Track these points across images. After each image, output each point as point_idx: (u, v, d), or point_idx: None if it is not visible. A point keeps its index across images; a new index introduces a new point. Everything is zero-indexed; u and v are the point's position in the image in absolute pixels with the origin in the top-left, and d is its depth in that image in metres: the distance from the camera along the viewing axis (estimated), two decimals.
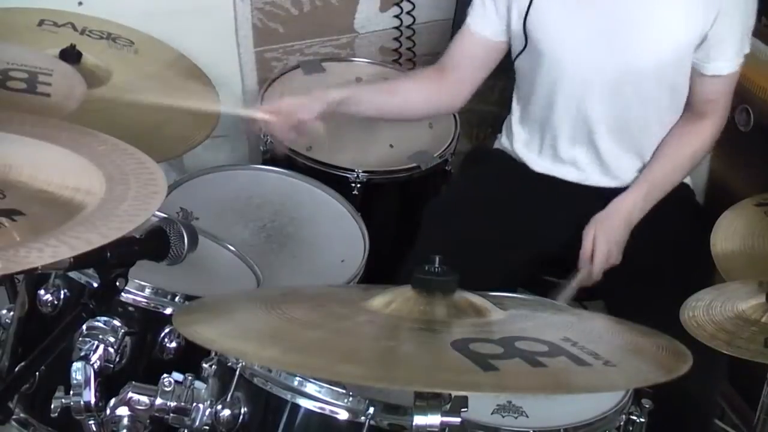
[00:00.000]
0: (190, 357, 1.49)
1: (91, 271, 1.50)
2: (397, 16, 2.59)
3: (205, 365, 1.43)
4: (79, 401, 1.38)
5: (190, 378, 1.41)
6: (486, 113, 2.70)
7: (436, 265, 1.18)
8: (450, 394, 1.11)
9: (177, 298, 1.56)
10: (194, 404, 1.39)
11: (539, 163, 2.04)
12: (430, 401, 1.06)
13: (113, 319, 1.50)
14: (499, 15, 1.93)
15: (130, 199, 1.15)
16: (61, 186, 1.18)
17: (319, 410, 1.34)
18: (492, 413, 1.45)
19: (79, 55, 1.99)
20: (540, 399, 1.48)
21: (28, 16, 2.13)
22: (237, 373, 1.38)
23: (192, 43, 2.26)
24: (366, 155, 2.21)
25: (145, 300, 1.56)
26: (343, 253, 1.93)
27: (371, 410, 1.31)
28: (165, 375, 1.40)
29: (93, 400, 1.38)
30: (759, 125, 2.19)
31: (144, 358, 1.57)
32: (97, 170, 1.21)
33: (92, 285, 1.51)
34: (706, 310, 1.44)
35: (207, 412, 1.39)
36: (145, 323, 1.56)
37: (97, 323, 1.48)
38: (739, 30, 1.85)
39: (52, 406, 1.40)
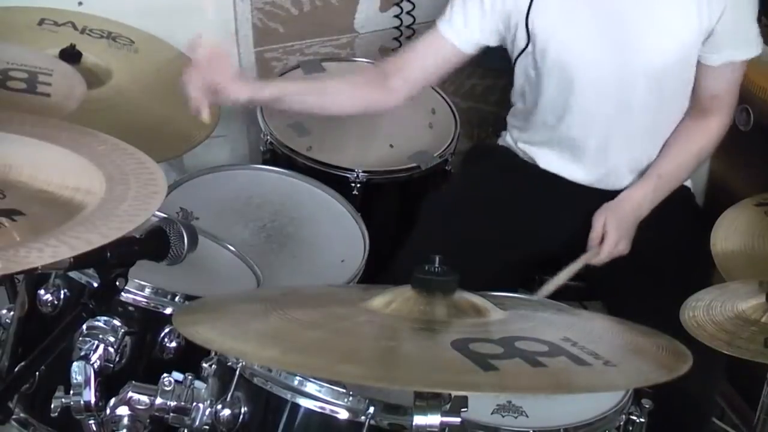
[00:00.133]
0: (190, 357, 1.49)
1: (91, 271, 1.50)
2: (397, 16, 2.59)
3: (205, 365, 1.43)
4: (79, 401, 1.38)
5: (190, 378, 1.41)
6: (486, 113, 2.70)
7: (436, 265, 1.18)
8: (450, 394, 1.11)
9: (177, 298, 1.56)
10: (194, 404, 1.39)
11: (545, 160, 2.04)
12: (430, 401, 1.06)
13: (113, 318, 1.50)
14: (482, 24, 1.90)
15: (130, 199, 1.15)
16: (61, 186, 1.18)
17: (319, 410, 1.34)
18: (492, 413, 1.45)
19: (79, 54, 2.00)
20: (540, 399, 1.48)
21: (28, 15, 2.13)
22: (237, 372, 1.38)
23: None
24: (366, 155, 2.21)
25: (145, 300, 1.56)
26: (343, 253, 1.93)
27: (371, 410, 1.31)
28: (165, 375, 1.40)
29: (93, 400, 1.38)
30: (759, 125, 2.19)
31: (144, 357, 1.57)
32: (97, 170, 1.21)
33: (92, 285, 1.51)
34: (706, 310, 1.44)
35: (207, 412, 1.39)
36: (145, 323, 1.56)
37: (97, 323, 1.48)
38: (750, 20, 1.84)
39: (52, 406, 1.40)
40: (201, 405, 1.40)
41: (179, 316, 1.27)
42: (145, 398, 1.39)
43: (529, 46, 1.89)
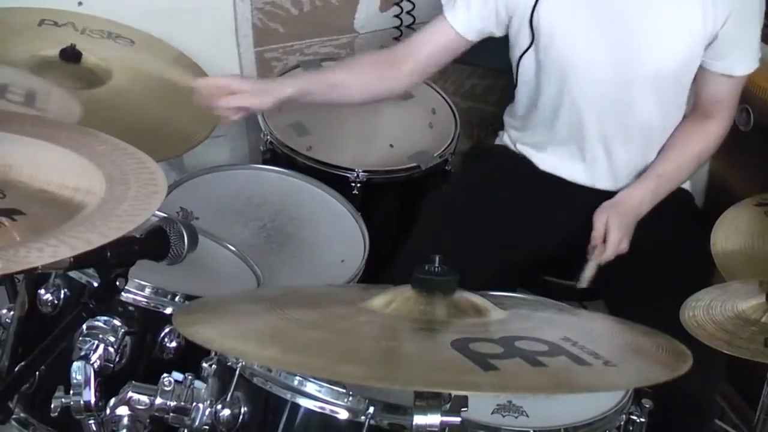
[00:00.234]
0: (190, 357, 1.49)
1: (91, 270, 1.51)
2: (397, 16, 2.59)
3: (205, 365, 1.43)
4: (79, 401, 1.38)
5: (190, 378, 1.41)
6: (486, 113, 2.70)
7: (436, 265, 1.18)
8: (450, 394, 1.11)
9: (177, 298, 1.56)
10: (194, 404, 1.39)
11: (544, 161, 2.04)
12: (430, 401, 1.06)
13: (113, 318, 1.50)
14: (484, 14, 1.91)
15: (130, 199, 1.15)
16: (61, 186, 1.18)
17: (319, 410, 1.34)
18: (492, 413, 1.45)
19: (79, 54, 1.99)
20: (540, 399, 1.48)
21: (28, 15, 2.13)
22: (237, 372, 1.38)
23: (192, 42, 2.26)
24: (366, 155, 2.21)
25: (145, 300, 1.56)
26: (343, 253, 1.93)
27: (371, 410, 1.31)
28: (165, 375, 1.40)
29: (93, 400, 1.38)
30: (759, 125, 2.19)
31: (144, 357, 1.57)
32: (97, 170, 1.21)
33: (92, 285, 1.51)
34: (706, 309, 1.44)
35: (207, 412, 1.39)
36: (145, 323, 1.56)
37: (97, 323, 1.48)
38: (753, 32, 1.84)
39: (52, 406, 1.40)
40: (201, 405, 1.40)
41: (179, 316, 1.27)
42: (145, 398, 1.39)
43: (533, 45, 1.89)
